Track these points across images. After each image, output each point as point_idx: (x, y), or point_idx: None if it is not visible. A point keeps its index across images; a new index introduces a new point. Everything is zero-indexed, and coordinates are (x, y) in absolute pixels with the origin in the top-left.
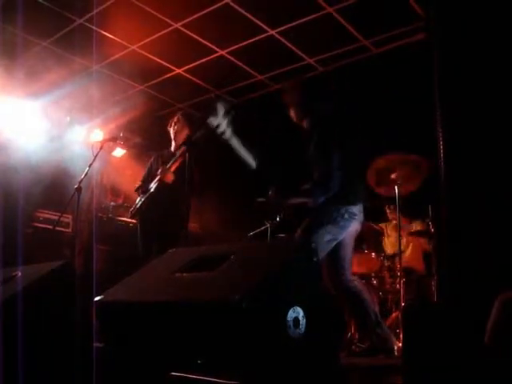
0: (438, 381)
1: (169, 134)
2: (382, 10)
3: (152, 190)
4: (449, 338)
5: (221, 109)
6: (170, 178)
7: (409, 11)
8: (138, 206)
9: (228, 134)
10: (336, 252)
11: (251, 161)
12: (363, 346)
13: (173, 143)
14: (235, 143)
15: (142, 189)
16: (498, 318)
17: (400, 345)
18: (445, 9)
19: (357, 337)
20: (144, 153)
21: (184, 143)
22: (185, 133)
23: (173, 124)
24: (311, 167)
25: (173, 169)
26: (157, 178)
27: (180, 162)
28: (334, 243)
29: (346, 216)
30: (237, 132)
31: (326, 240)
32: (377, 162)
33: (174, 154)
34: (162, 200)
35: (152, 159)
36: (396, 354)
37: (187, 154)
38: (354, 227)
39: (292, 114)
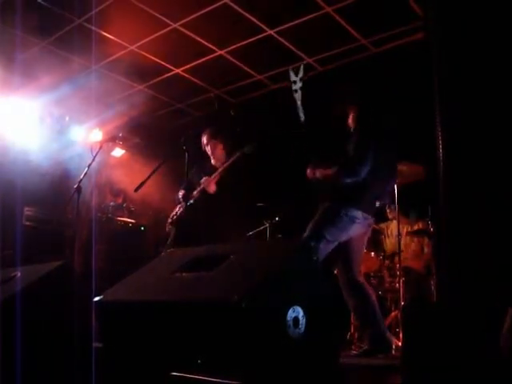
0: (438, 381)
1: (167, 132)
2: (380, 9)
3: (192, 200)
4: (448, 338)
5: (300, 73)
6: (212, 188)
7: (407, 11)
8: (178, 213)
9: (298, 92)
10: (343, 254)
11: (302, 116)
12: (362, 345)
13: (212, 158)
14: (298, 99)
15: (185, 197)
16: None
17: (399, 344)
18: (443, 8)
19: (356, 336)
20: (143, 153)
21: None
22: (220, 147)
23: (204, 145)
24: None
25: (216, 180)
26: (199, 188)
27: (222, 176)
28: (335, 244)
29: (346, 218)
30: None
31: (326, 240)
32: None
33: (215, 167)
34: (202, 210)
35: (193, 170)
36: (394, 353)
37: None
38: (357, 231)
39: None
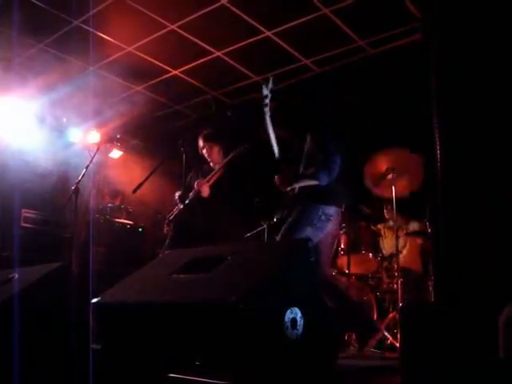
0: (436, 381)
1: (165, 134)
2: (377, 10)
3: (187, 201)
4: (446, 339)
5: (269, 86)
6: (206, 191)
7: (405, 12)
8: (175, 213)
9: (267, 111)
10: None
11: (276, 150)
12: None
13: (210, 161)
14: (268, 124)
15: (181, 198)
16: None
17: (398, 345)
18: (441, 9)
19: (354, 337)
20: (141, 154)
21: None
22: (216, 149)
23: (201, 148)
24: (304, 165)
25: (210, 182)
26: (194, 191)
27: (218, 177)
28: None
29: (323, 218)
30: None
31: None
32: (374, 160)
33: (213, 170)
34: (196, 212)
35: (191, 173)
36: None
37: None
38: (330, 228)
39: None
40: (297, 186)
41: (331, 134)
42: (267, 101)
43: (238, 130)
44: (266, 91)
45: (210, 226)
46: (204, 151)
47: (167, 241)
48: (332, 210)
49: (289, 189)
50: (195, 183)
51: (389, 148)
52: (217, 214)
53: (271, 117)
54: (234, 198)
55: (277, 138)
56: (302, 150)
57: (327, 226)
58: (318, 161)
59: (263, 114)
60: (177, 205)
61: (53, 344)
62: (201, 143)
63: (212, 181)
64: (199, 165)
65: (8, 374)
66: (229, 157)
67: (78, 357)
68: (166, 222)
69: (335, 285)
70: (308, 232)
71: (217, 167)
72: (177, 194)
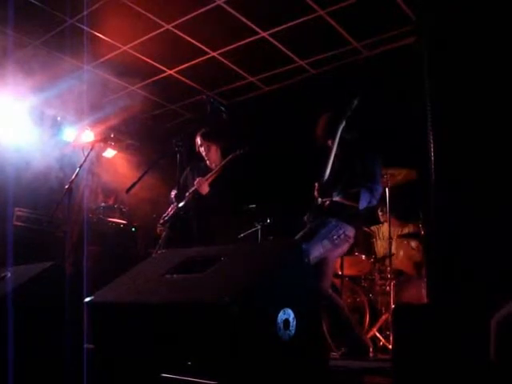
0: (429, 383)
1: (159, 133)
2: (373, 13)
3: (185, 201)
4: (439, 340)
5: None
6: (205, 189)
7: (400, 15)
8: (171, 213)
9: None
10: (320, 266)
11: (328, 171)
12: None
13: (207, 160)
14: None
15: (177, 197)
16: (498, 338)
17: (390, 347)
18: (436, 12)
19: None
20: (135, 154)
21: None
22: (214, 148)
23: (198, 146)
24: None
25: (209, 181)
26: (192, 189)
27: (216, 177)
28: (321, 258)
29: (342, 237)
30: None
31: (317, 252)
32: None
33: (210, 169)
34: (194, 211)
35: (187, 171)
36: (371, 355)
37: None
38: (344, 249)
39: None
40: (335, 199)
41: (379, 161)
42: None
43: (235, 131)
44: (353, 106)
45: (204, 225)
46: (202, 149)
47: (161, 240)
48: (352, 233)
49: (323, 200)
50: (195, 181)
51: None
52: (212, 213)
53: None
54: (228, 198)
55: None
56: (345, 166)
57: (343, 245)
58: (365, 185)
59: (339, 125)
60: (172, 204)
61: (46, 343)
62: (198, 141)
63: (210, 180)
64: (195, 163)
65: (1, 374)
66: (228, 158)
67: (71, 356)
68: (162, 221)
69: (335, 304)
70: (324, 244)
71: (214, 166)
72: (173, 193)
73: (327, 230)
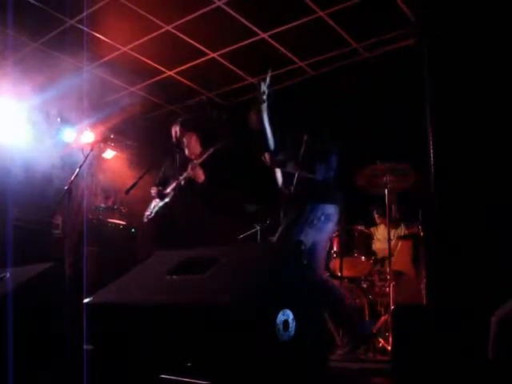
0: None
1: (159, 134)
2: (373, 14)
3: (170, 196)
4: (438, 341)
5: (267, 82)
6: (201, 177)
7: (400, 16)
8: (155, 210)
9: (265, 107)
10: (311, 252)
11: (271, 142)
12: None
13: (186, 150)
14: (265, 120)
15: (160, 193)
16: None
17: (389, 348)
18: (436, 14)
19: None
20: (134, 154)
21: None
22: (194, 138)
23: (176, 135)
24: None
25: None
26: (176, 183)
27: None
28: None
29: (323, 218)
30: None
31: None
32: (366, 170)
33: (189, 159)
34: (180, 207)
35: (166, 164)
36: (374, 332)
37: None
38: (330, 229)
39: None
40: (289, 170)
41: (330, 134)
42: (265, 97)
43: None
44: (263, 87)
45: (193, 222)
46: (184, 139)
47: (152, 237)
48: (332, 209)
49: (283, 188)
50: (189, 168)
51: (381, 151)
52: (207, 212)
53: (268, 113)
54: (226, 184)
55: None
56: (296, 150)
57: (327, 226)
58: (316, 155)
59: (260, 109)
60: (154, 199)
61: (45, 344)
62: (177, 130)
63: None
64: (173, 155)
65: (1, 375)
66: (209, 151)
67: (71, 357)
68: (145, 219)
69: (330, 286)
70: (307, 233)
71: (193, 157)
72: (153, 191)
73: (304, 216)
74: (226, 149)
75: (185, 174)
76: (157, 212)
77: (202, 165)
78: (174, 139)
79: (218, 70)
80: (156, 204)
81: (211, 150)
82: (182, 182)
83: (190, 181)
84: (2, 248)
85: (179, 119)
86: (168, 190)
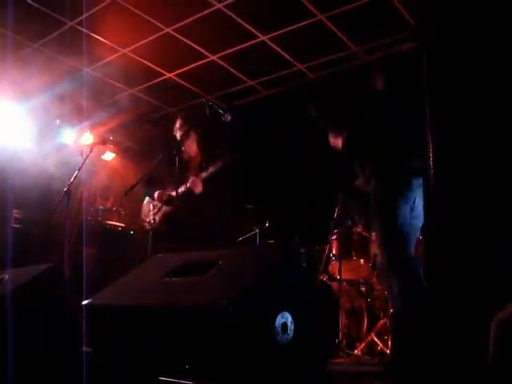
0: None
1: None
2: (372, 18)
3: (174, 201)
4: (436, 345)
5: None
6: (199, 188)
7: (399, 20)
8: (161, 214)
9: None
10: None
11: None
12: (351, 352)
13: (183, 148)
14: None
15: (159, 199)
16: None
17: (388, 351)
18: (436, 17)
19: (344, 343)
20: (134, 156)
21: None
22: (193, 136)
23: (178, 131)
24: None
25: (203, 178)
26: (181, 189)
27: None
28: None
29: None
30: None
31: None
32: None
33: (188, 156)
34: (185, 212)
35: (159, 158)
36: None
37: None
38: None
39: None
40: None
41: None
42: None
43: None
44: None
45: (197, 226)
46: (181, 134)
47: (150, 244)
48: None
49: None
50: (190, 180)
51: None
52: (204, 213)
53: None
54: (225, 197)
55: None
56: None
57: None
58: None
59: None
60: (154, 202)
61: (44, 346)
62: (178, 125)
63: (204, 177)
64: (168, 153)
65: (1, 376)
66: (216, 165)
67: (70, 358)
68: (148, 225)
69: None
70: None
71: (191, 154)
72: (156, 195)
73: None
74: (234, 164)
75: (183, 188)
76: (162, 216)
77: (205, 179)
78: (175, 133)
79: (218, 72)
80: (157, 209)
81: (219, 163)
82: (180, 191)
83: (189, 190)
84: (2, 249)
85: (183, 114)
86: (172, 194)
